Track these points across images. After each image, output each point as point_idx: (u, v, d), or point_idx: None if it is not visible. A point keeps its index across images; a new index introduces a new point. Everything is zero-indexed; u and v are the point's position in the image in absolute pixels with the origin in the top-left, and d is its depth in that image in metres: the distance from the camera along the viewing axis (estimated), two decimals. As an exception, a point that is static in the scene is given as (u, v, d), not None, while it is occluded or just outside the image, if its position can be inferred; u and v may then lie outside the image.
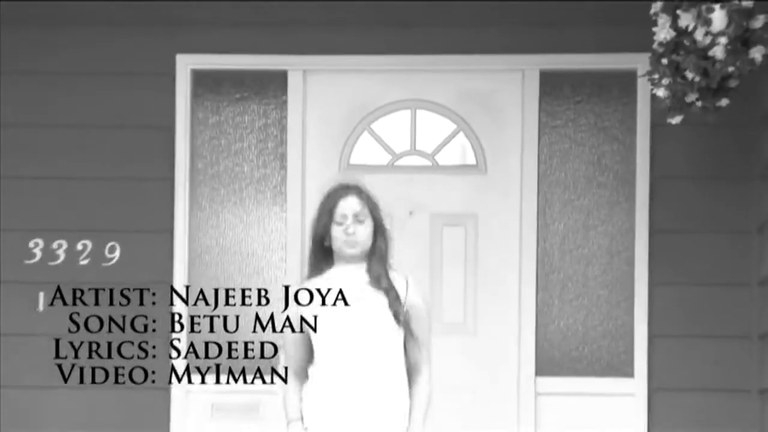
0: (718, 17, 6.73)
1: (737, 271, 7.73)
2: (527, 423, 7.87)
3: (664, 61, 6.91)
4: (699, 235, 7.81)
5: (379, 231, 5.94)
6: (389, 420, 5.83)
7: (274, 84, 8.06)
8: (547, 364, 7.94)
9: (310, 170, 8.07)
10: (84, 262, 7.83)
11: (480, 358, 7.96)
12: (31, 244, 7.82)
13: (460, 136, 8.10)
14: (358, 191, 5.93)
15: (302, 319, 5.91)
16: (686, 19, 6.81)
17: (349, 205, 5.87)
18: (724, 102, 6.94)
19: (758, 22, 6.78)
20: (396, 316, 5.84)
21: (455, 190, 8.07)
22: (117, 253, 7.87)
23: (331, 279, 5.92)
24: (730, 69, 6.77)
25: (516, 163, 8.01)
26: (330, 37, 7.96)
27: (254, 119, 8.10)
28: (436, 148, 8.13)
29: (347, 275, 5.90)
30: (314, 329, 5.87)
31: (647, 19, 6.96)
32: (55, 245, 7.87)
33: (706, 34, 6.77)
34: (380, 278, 5.88)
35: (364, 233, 5.87)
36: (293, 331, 5.93)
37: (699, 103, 6.93)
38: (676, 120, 7.10)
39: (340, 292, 5.85)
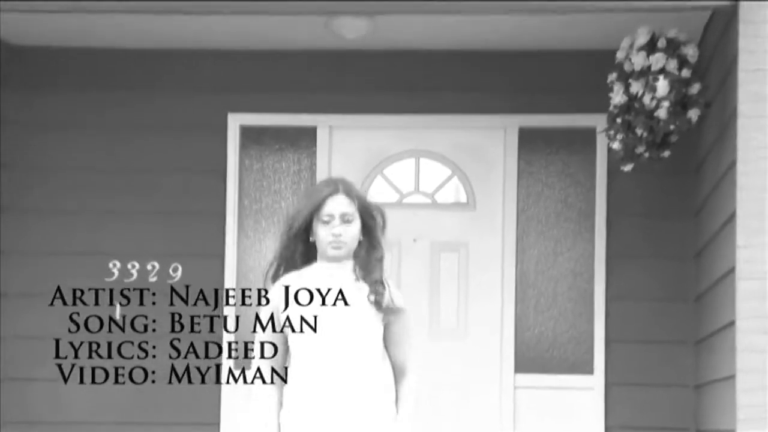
0: (662, 85, 6.76)
1: (677, 289, 7.71)
2: (508, 411, 7.84)
3: (618, 120, 6.93)
4: (646, 260, 7.80)
5: (367, 230, 4.79)
6: (374, 421, 4.70)
7: (306, 137, 8.05)
8: (524, 363, 7.90)
9: (334, 206, 8.09)
10: (153, 280, 7.87)
11: (469, 357, 7.93)
12: (110, 265, 7.85)
13: (455, 179, 8.09)
14: (347, 190, 4.77)
15: (283, 318, 4.74)
16: (636, 87, 6.83)
17: (338, 204, 4.72)
18: (666, 153, 6.96)
19: (694, 90, 6.80)
20: (385, 311, 4.72)
21: (450, 223, 8.05)
22: (179, 273, 7.88)
23: (309, 276, 4.75)
24: (672, 127, 6.79)
25: (499, 202, 7.99)
26: (350, 99, 7.95)
27: (290, 165, 8.09)
28: (435, 189, 8.12)
29: (329, 273, 4.74)
30: (292, 329, 4.70)
31: (604, 86, 7.00)
32: (129, 266, 7.91)
33: (652, 99, 6.78)
34: (371, 274, 4.74)
35: (351, 234, 4.73)
36: (274, 330, 4.75)
37: (646, 155, 6.96)
38: (628, 168, 7.12)
39: (322, 292, 4.70)
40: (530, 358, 7.94)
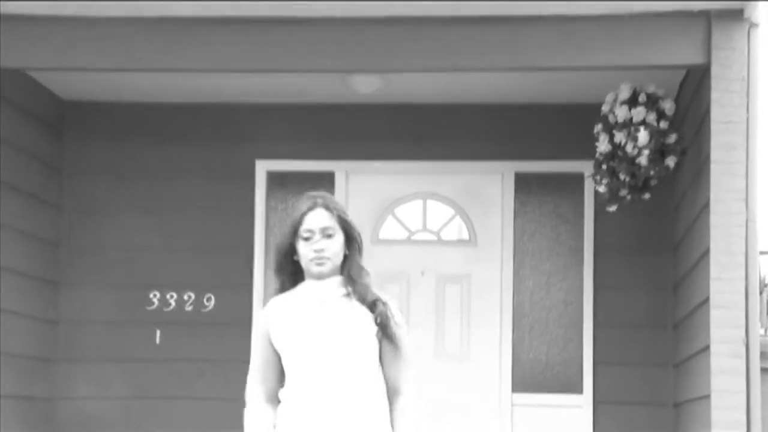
0: (643, 135, 6.78)
1: (658, 317, 7.68)
2: (506, 427, 7.82)
3: (604, 166, 6.96)
4: (629, 291, 7.78)
5: (351, 243, 4.11)
6: None
7: (325, 181, 8.02)
8: (520, 383, 7.89)
9: (350, 243, 8.11)
10: (189, 308, 7.90)
11: (471, 378, 7.91)
12: (150, 295, 7.89)
13: (458, 218, 8.08)
14: (326, 204, 4.12)
15: (273, 339, 4.11)
16: (619, 137, 6.86)
17: (317, 218, 4.06)
18: (647, 196, 6.98)
19: (671, 139, 6.83)
20: (384, 329, 4.06)
21: (454, 257, 8.05)
22: (212, 302, 7.91)
23: (297, 296, 4.12)
24: (651, 173, 6.82)
25: (498, 238, 7.99)
26: (364, 147, 7.96)
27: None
28: (440, 227, 8.11)
29: (318, 290, 4.08)
30: (285, 348, 4.07)
31: (591, 136, 7.03)
32: (168, 296, 7.94)
33: (634, 147, 6.81)
34: (365, 292, 4.08)
35: (333, 249, 4.05)
36: (266, 352, 4.13)
37: (629, 197, 6.98)
38: (612, 208, 7.15)
39: (310, 308, 4.07)
40: (526, 379, 7.93)
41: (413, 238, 8.13)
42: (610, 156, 6.91)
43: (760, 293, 7.57)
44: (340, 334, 4.03)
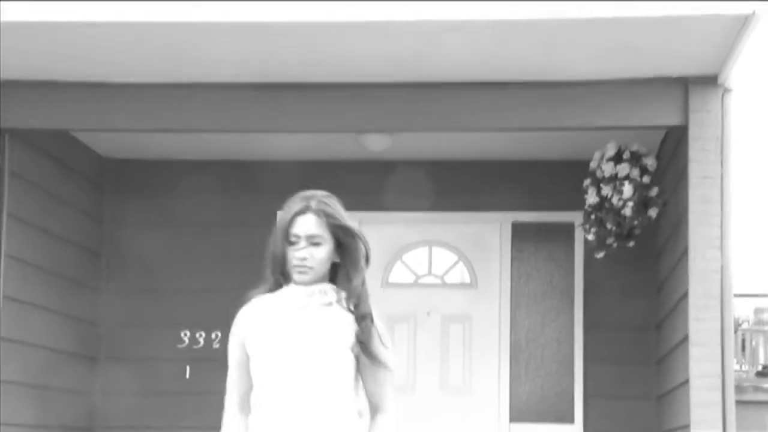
0: (627, 189, 6.78)
1: (642, 353, 7.65)
2: (504, 453, 7.85)
3: (592, 217, 6.96)
4: (616, 330, 7.76)
5: (346, 250, 3.57)
6: None
7: (340, 230, 8.09)
8: (517, 414, 7.87)
9: (363, 286, 8.10)
10: (216, 346, 7.88)
11: (473, 409, 7.89)
12: (181, 335, 7.90)
13: (460, 263, 8.08)
14: (318, 209, 3.55)
15: (246, 344, 3.56)
16: (606, 190, 6.86)
17: (305, 225, 3.52)
18: (631, 243, 6.98)
19: (653, 192, 6.83)
20: (365, 346, 3.49)
21: (457, 299, 8.03)
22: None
23: (277, 300, 3.58)
24: (635, 222, 6.81)
25: (497, 282, 7.99)
26: (375, 199, 7.95)
27: None
28: (444, 272, 8.11)
29: (299, 296, 3.55)
30: (253, 352, 3.53)
31: (580, 189, 7.03)
32: (197, 335, 7.94)
33: (620, 200, 6.81)
34: (360, 306, 3.54)
35: (318, 258, 3.51)
36: (240, 359, 3.59)
37: (615, 244, 6.98)
38: (600, 255, 7.14)
39: (286, 314, 3.54)
40: (523, 410, 7.90)
41: (420, 281, 8.13)
42: (598, 207, 6.91)
43: (735, 332, 7.57)
44: (311, 343, 3.48)
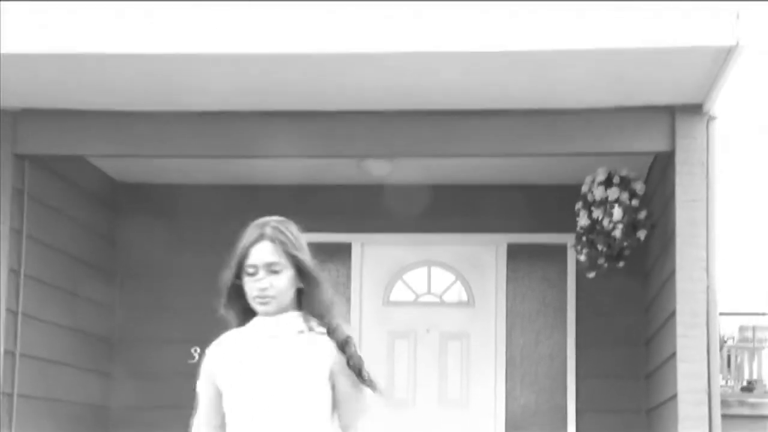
0: (617, 212, 6.80)
1: (632, 369, 7.63)
2: (500, 465, 7.84)
3: (584, 238, 6.98)
4: (607, 347, 7.73)
5: (306, 277, 3.22)
6: None
7: (343, 251, 8.05)
8: (512, 427, 7.85)
9: (365, 304, 8.04)
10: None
11: (470, 422, 7.87)
12: (192, 351, 7.90)
13: (458, 283, 8.08)
14: (273, 236, 3.24)
15: (218, 382, 3.25)
16: (597, 213, 6.88)
17: (261, 253, 3.22)
18: (621, 264, 6.99)
19: (642, 215, 6.85)
20: (360, 375, 3.20)
21: (455, 317, 8.02)
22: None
23: (247, 334, 3.27)
24: (625, 244, 6.82)
25: (492, 301, 7.98)
26: (377, 222, 7.96)
27: (331, 273, 8.02)
28: (443, 291, 8.10)
29: (269, 326, 3.24)
30: (225, 388, 3.23)
31: (572, 212, 7.05)
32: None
33: (610, 222, 6.83)
34: (334, 329, 3.21)
35: (279, 285, 3.20)
36: (210, 398, 3.28)
37: (606, 265, 6.99)
38: (591, 275, 7.16)
39: (256, 346, 3.23)
40: (518, 423, 7.88)
41: (419, 300, 8.12)
42: (589, 229, 6.93)
43: (720, 349, 7.57)
44: (284, 375, 3.18)
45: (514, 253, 8.00)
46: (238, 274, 3.25)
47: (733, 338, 11.05)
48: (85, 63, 5.73)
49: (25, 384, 6.54)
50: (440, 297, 8.11)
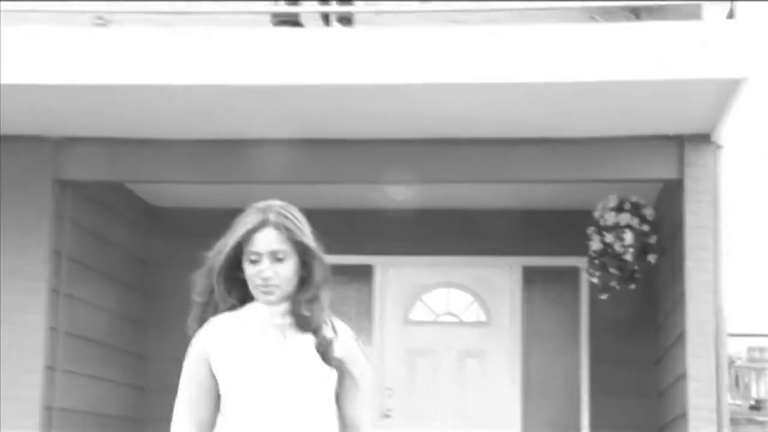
0: (628, 237, 6.81)
1: (643, 387, 7.58)
2: (516, 478, 7.82)
3: (596, 262, 6.98)
4: (619, 366, 7.70)
5: (308, 262, 2.94)
6: None
7: (365, 273, 8.08)
8: (528, 442, 7.88)
9: (387, 323, 8.05)
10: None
11: (488, 437, 7.93)
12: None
13: (476, 303, 8.08)
14: (278, 222, 2.94)
15: (212, 366, 2.92)
16: (609, 237, 6.88)
17: (265, 240, 2.92)
18: (632, 286, 6.98)
19: (652, 240, 6.85)
20: (325, 359, 2.91)
21: (472, 336, 8.03)
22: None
23: (246, 318, 2.95)
24: (636, 267, 6.83)
25: (509, 321, 7.98)
26: (398, 245, 7.98)
27: (353, 293, 8.07)
28: (461, 311, 8.11)
29: (271, 315, 2.94)
30: (228, 378, 2.90)
31: (585, 237, 7.04)
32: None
33: (621, 246, 6.84)
34: (310, 318, 2.92)
35: (283, 274, 2.91)
36: (199, 383, 2.93)
37: (618, 287, 6.98)
38: (604, 297, 7.14)
39: (261, 335, 2.93)
40: (534, 437, 7.90)
41: (438, 319, 8.13)
42: (602, 253, 6.93)
43: (729, 369, 7.55)
44: (290, 366, 2.90)
45: (530, 275, 8.00)
46: (235, 261, 2.93)
47: (742, 358, 11.02)
48: (123, 94, 5.81)
49: (65, 397, 6.59)
50: (458, 317, 8.12)
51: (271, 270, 2.90)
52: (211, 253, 3.00)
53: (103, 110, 6.10)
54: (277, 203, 3.01)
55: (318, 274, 2.94)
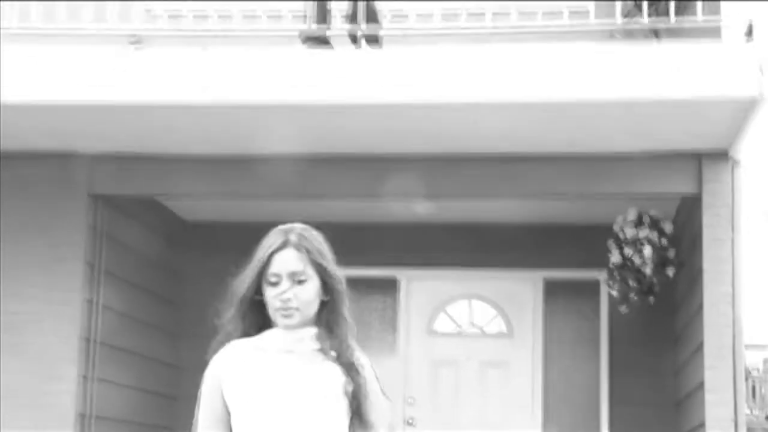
0: (647, 250, 6.80)
1: (662, 398, 7.56)
2: (538, 486, 7.81)
3: (616, 275, 6.99)
4: (638, 376, 7.68)
5: (330, 288, 2.79)
6: None
7: (390, 285, 8.11)
8: (550, 449, 7.87)
9: (411, 334, 8.07)
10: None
11: (509, 445, 7.92)
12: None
13: (498, 315, 8.09)
14: (298, 243, 2.80)
15: (225, 393, 2.79)
16: (628, 251, 6.88)
17: (285, 261, 2.78)
18: (651, 299, 6.99)
19: (670, 253, 6.83)
20: (354, 394, 2.75)
21: (495, 347, 8.03)
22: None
23: (262, 344, 2.80)
24: (655, 280, 6.83)
25: (530, 332, 7.98)
26: (422, 258, 7.99)
27: (378, 305, 8.11)
28: (484, 322, 8.12)
29: (285, 341, 2.78)
30: (236, 406, 2.76)
31: (605, 250, 7.05)
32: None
33: (640, 260, 6.85)
34: (343, 349, 2.77)
35: (304, 297, 2.76)
36: (215, 411, 2.80)
37: (637, 299, 7.00)
38: (623, 309, 7.16)
39: (273, 361, 2.76)
40: (555, 445, 7.88)
41: (461, 331, 8.14)
42: (621, 266, 6.94)
43: (746, 379, 7.53)
44: (303, 394, 2.73)
45: (551, 287, 8.01)
46: (258, 286, 2.79)
47: (758, 369, 10.97)
48: (155, 112, 5.87)
49: (100, 406, 6.65)
50: (481, 328, 8.13)
51: (291, 292, 2.75)
52: (236, 280, 2.85)
53: (135, 128, 6.16)
54: (299, 225, 2.87)
55: (339, 299, 2.79)
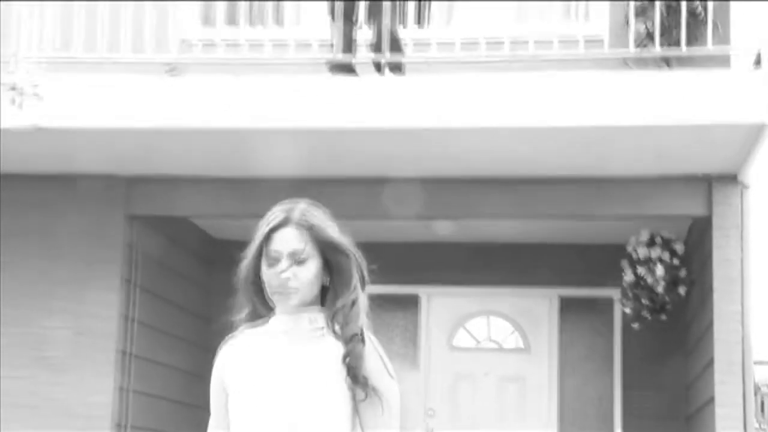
0: (659, 270, 6.78)
1: (673, 411, 7.51)
2: (553, 496, 7.78)
3: (629, 293, 6.95)
4: (651, 391, 7.64)
5: (336, 268, 2.57)
6: None
7: (412, 302, 8.08)
8: (564, 461, 7.85)
9: (432, 349, 8.05)
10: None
11: (526, 456, 7.90)
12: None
13: (515, 331, 8.07)
14: (300, 219, 2.55)
15: (226, 385, 2.60)
16: (641, 270, 6.86)
17: (285, 239, 2.53)
18: (663, 316, 6.96)
19: (682, 273, 6.80)
20: (351, 373, 2.50)
21: (512, 362, 8.01)
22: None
23: (262, 332, 2.61)
24: (667, 299, 6.80)
25: (546, 348, 7.96)
26: (442, 276, 7.99)
27: (399, 321, 8.09)
28: (502, 338, 8.11)
29: (284, 326, 2.57)
30: (231, 393, 2.59)
31: (618, 269, 7.02)
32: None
33: (653, 278, 6.83)
34: (343, 321, 2.53)
35: (304, 277, 2.52)
36: (220, 403, 2.62)
37: (649, 317, 6.96)
38: (636, 326, 7.13)
39: (269, 348, 2.56)
40: (570, 456, 7.86)
41: (480, 346, 8.13)
42: (634, 285, 6.92)
43: (755, 394, 7.49)
44: (296, 376, 2.51)
45: (566, 305, 7.99)
46: (258, 265, 2.55)
47: (767, 385, 10.91)
48: (189, 137, 5.93)
49: (137, 417, 6.70)
50: (499, 343, 8.12)
51: (291, 271, 2.50)
52: (240, 266, 2.60)
53: (170, 151, 6.23)
54: (302, 202, 2.59)
55: (351, 273, 2.53)
